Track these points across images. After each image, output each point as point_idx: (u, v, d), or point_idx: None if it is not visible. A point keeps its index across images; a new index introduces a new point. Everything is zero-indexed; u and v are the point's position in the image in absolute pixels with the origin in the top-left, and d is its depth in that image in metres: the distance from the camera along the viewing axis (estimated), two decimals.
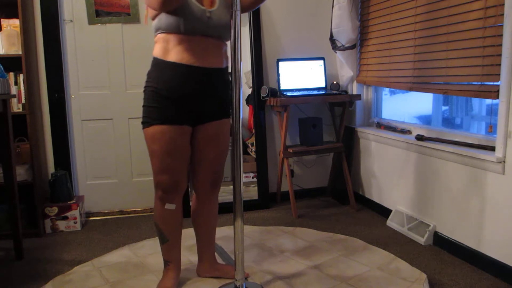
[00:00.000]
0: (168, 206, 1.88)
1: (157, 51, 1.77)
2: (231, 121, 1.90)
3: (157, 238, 2.05)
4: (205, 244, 2.08)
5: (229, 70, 1.87)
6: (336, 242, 2.49)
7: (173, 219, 1.92)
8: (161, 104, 1.76)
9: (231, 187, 1.80)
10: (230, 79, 1.76)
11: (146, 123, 1.79)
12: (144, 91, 1.80)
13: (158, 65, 1.76)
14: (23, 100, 2.70)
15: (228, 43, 1.84)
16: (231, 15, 1.72)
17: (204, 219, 2.04)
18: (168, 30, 1.71)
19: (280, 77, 3.17)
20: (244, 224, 1.88)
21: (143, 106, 1.80)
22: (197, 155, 1.92)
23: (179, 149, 1.81)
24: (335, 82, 3.25)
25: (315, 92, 3.15)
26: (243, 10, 1.79)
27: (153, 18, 1.75)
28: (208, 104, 1.84)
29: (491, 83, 2.12)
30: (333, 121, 3.44)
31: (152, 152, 1.82)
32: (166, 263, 1.98)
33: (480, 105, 3.52)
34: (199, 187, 1.99)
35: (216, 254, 2.32)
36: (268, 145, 3.35)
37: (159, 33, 1.75)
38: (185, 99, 1.77)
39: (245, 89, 3.44)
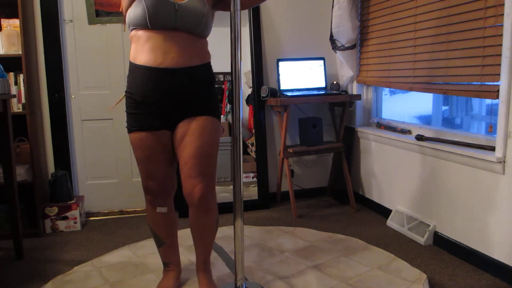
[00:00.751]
0: (160, 209, 1.86)
1: (131, 54, 1.75)
2: (215, 119, 1.80)
3: None
4: (198, 253, 1.94)
5: (211, 66, 1.82)
6: (336, 242, 2.49)
7: (166, 221, 1.90)
8: (137, 110, 1.74)
9: (231, 187, 1.80)
10: (213, 74, 1.75)
11: (128, 129, 1.78)
12: (124, 96, 1.80)
13: (131, 69, 1.75)
14: (23, 100, 2.70)
15: (208, 38, 1.80)
16: (205, 9, 1.67)
17: (195, 231, 1.87)
18: (136, 24, 1.67)
19: (280, 77, 3.17)
20: (244, 224, 1.87)
21: (125, 111, 1.79)
22: (177, 152, 1.78)
23: (160, 154, 1.77)
24: (335, 82, 3.25)
25: (315, 92, 3.15)
26: (242, 7, 1.75)
27: (125, 12, 1.72)
28: (185, 105, 1.75)
29: (491, 83, 2.12)
30: (333, 121, 3.44)
31: (137, 159, 1.81)
32: (165, 265, 1.98)
33: (480, 105, 3.52)
34: (184, 188, 1.77)
35: (215, 253, 2.32)
36: (268, 145, 3.34)
37: (131, 29, 1.72)
38: (159, 103, 1.72)
39: (245, 89, 3.44)
